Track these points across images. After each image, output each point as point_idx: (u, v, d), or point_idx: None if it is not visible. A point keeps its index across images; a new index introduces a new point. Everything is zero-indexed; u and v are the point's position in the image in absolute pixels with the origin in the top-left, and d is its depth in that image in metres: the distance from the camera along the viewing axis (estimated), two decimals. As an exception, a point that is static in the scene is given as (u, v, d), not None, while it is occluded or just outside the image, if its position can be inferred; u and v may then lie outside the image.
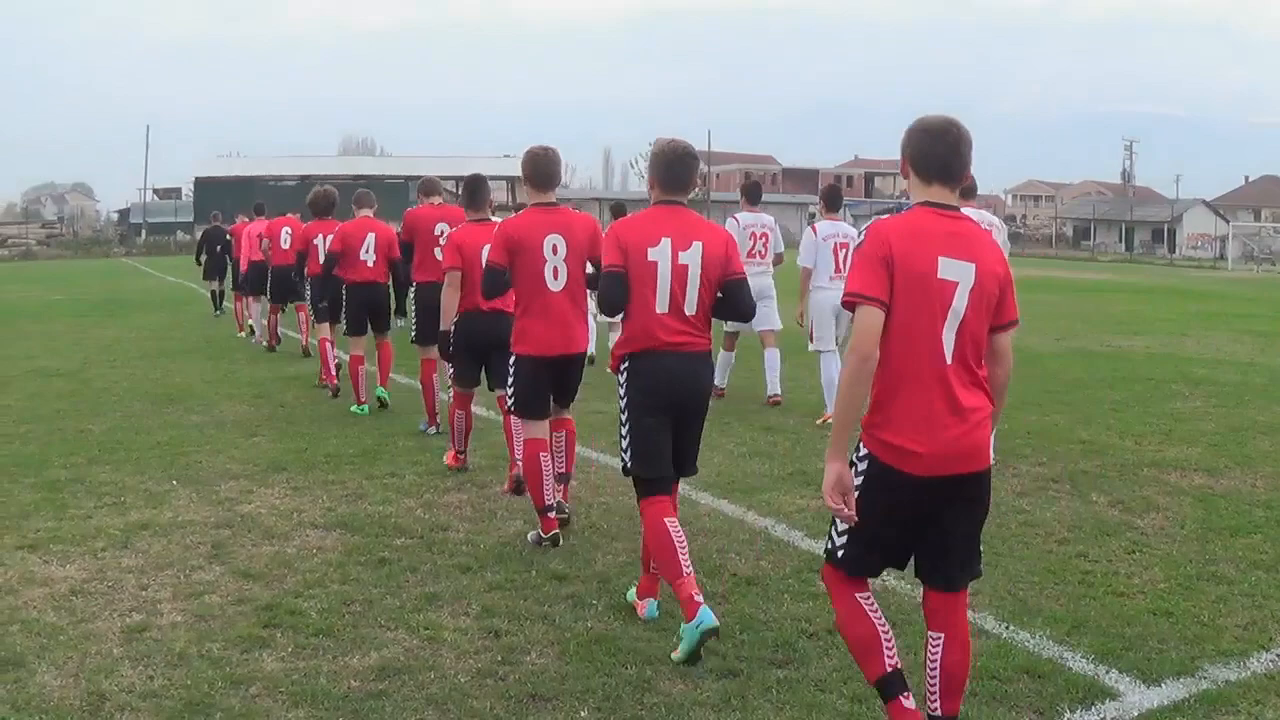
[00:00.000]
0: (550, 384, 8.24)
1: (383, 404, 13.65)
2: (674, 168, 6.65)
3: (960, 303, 4.70)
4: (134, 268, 59.60)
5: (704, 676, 5.96)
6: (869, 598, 5.05)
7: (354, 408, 13.65)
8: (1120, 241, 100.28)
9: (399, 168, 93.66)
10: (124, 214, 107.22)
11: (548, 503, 8.16)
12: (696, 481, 9.94)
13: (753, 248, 14.22)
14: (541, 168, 8.18)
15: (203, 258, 28.83)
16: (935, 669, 4.95)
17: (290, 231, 18.88)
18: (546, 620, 6.77)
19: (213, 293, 29.06)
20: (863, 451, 4.87)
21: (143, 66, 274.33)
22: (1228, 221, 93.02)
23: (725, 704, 5.66)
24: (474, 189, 10.42)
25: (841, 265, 12.51)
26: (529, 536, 8.33)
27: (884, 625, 5.02)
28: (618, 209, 16.31)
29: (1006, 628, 6.63)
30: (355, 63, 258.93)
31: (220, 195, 58.06)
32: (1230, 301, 35.46)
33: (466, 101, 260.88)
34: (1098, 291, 38.80)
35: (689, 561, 6.30)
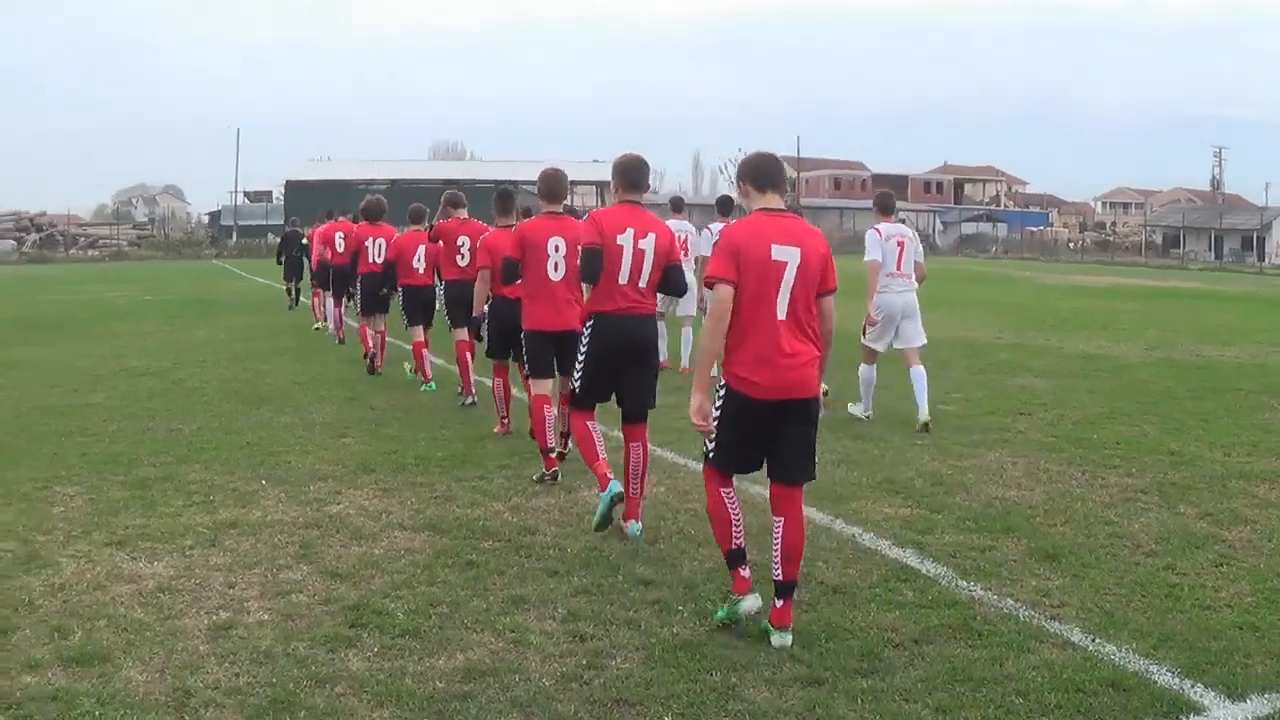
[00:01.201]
0: (553, 352, 10.10)
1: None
2: (629, 175, 8.66)
3: (790, 276, 6.55)
4: (224, 269, 60.35)
5: (789, 684, 5.90)
6: (731, 492, 6.84)
7: (423, 386, 16.01)
8: (1210, 250, 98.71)
9: (488, 172, 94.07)
10: (214, 216, 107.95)
11: (550, 445, 10.35)
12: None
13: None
14: (553, 185, 10.04)
15: (282, 259, 32.59)
16: (778, 544, 6.63)
17: (344, 235, 21.47)
18: (632, 625, 6.74)
19: (288, 289, 32.33)
20: (722, 383, 6.68)
21: (233, 69, 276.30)
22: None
23: (809, 712, 5.59)
24: (503, 200, 12.65)
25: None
26: (534, 476, 10.35)
27: (737, 514, 6.79)
28: (724, 204, 17.29)
29: (1092, 640, 6.50)
30: (443, 67, 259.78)
31: (310, 198, 58.64)
32: (1327, 312, 34.80)
33: (553, 106, 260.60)
34: (1187, 300, 38.19)
35: (604, 451, 8.82)
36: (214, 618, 6.86)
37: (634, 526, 8.61)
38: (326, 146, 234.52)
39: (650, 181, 9.16)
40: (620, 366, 8.70)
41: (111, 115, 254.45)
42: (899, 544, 8.34)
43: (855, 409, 13.77)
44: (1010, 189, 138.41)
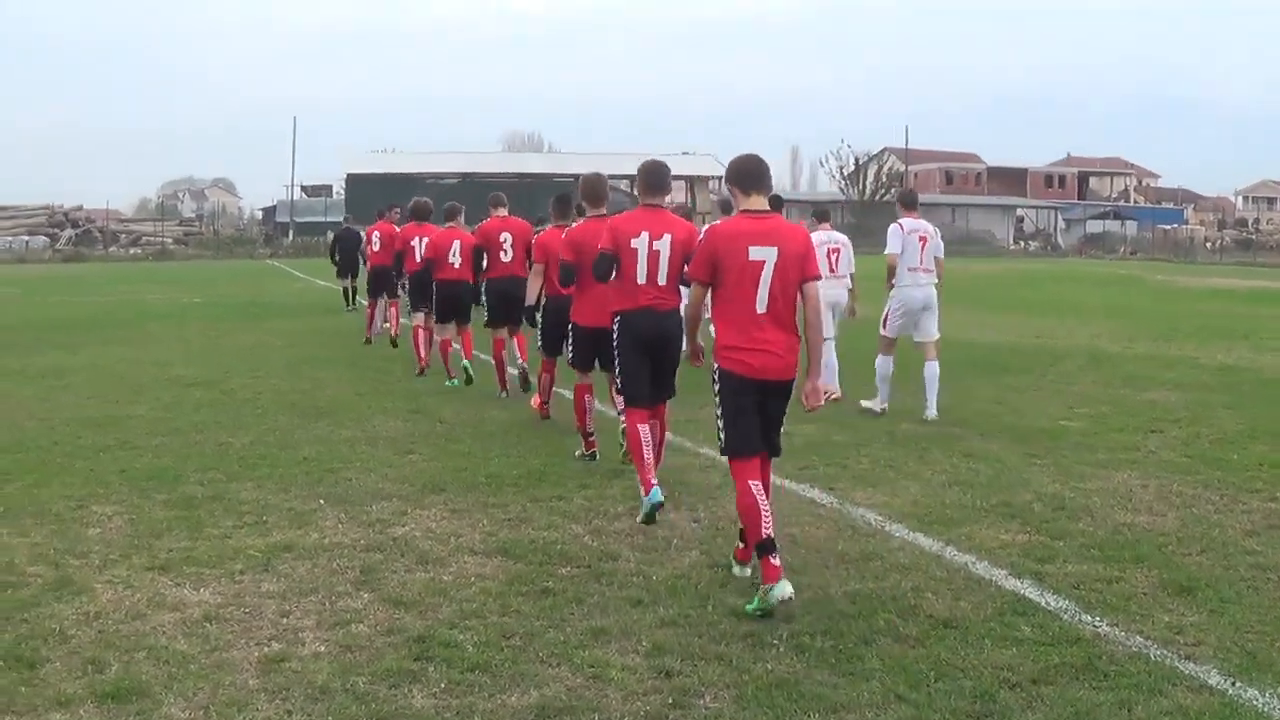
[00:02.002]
0: (594, 349, 11.49)
1: (468, 378, 17.22)
2: (649, 180, 10.13)
3: (767, 273, 7.87)
4: (280, 270, 60.95)
5: (895, 728, 5.85)
6: (758, 484, 7.86)
7: (447, 381, 17.64)
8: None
9: (568, 165, 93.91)
10: (269, 212, 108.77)
11: (589, 430, 12.12)
12: (890, 511, 9.85)
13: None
14: (594, 187, 11.58)
15: (336, 257, 33.01)
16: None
17: (379, 235, 23.84)
18: (723, 660, 6.71)
19: (345, 291, 33.02)
20: (716, 370, 8.02)
21: (288, 55, 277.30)
22: None
23: (918, 760, 5.54)
24: (561, 203, 14.14)
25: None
26: (575, 453, 12.16)
27: (766, 506, 7.74)
28: (821, 214, 17.76)
29: (1232, 683, 6.38)
30: (519, 53, 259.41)
31: (374, 193, 58.74)
32: None
33: (637, 96, 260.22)
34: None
35: (653, 458, 9.79)
36: (265, 649, 6.89)
37: (655, 492, 9.49)
38: (390, 137, 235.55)
39: (670, 184, 10.35)
40: (647, 357, 10.10)
41: (156, 102, 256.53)
42: (1016, 574, 8.25)
43: (869, 403, 14.98)
44: (1140, 183, 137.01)
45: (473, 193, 24.22)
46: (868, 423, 14.10)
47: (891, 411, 14.72)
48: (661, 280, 10.08)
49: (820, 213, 17.69)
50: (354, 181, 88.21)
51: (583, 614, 7.46)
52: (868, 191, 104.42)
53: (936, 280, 14.84)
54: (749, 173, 8.18)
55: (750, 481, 7.82)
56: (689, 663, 6.66)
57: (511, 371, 16.72)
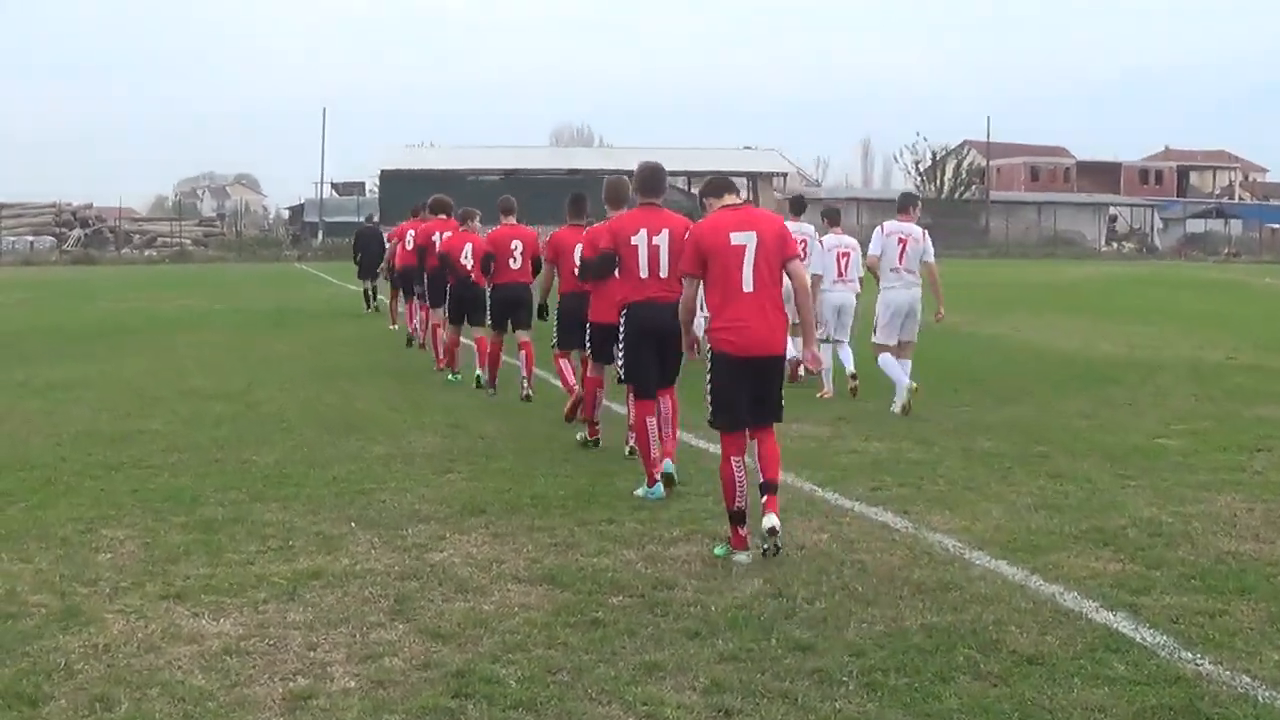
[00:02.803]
0: (611, 344, 12.60)
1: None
2: (644, 182, 11.76)
3: (750, 255, 9.51)
4: (309, 274, 61.17)
5: (975, 774, 5.84)
6: (740, 461, 9.50)
7: (450, 377, 19.90)
8: None
9: (620, 160, 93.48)
10: (296, 211, 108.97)
11: (597, 419, 13.92)
12: (970, 537, 9.83)
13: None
14: (617, 192, 12.83)
15: (358, 256, 34.81)
16: (759, 455, 9.58)
17: (413, 234, 24.56)
18: (788, 699, 6.70)
19: (365, 291, 34.79)
20: (708, 349, 9.79)
21: (318, 40, 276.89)
22: None
23: (1001, 808, 5.52)
24: (576, 204, 15.75)
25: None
26: (578, 437, 14.05)
27: (742, 480, 9.45)
28: (831, 216, 19.52)
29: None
30: (570, 39, 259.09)
31: (410, 191, 58.82)
32: None
33: (695, 84, 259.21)
34: None
35: (659, 451, 11.47)
36: (291, 685, 6.91)
37: (667, 464, 11.47)
38: (429, 131, 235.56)
39: (665, 185, 11.97)
40: (652, 347, 11.67)
41: (172, 91, 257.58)
42: (1108, 606, 8.21)
43: (895, 406, 16.11)
44: (1247, 177, 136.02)
45: (517, 191, 24.33)
46: (943, 439, 14.05)
47: (969, 426, 14.70)
48: (663, 273, 11.63)
49: (830, 214, 19.42)
50: (388, 179, 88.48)
51: (635, 647, 7.47)
52: (946, 188, 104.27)
53: (920, 282, 16.60)
54: (716, 184, 10.22)
55: (733, 457, 9.53)
56: (750, 701, 6.66)
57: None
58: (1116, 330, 28.50)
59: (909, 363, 16.42)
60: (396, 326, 28.37)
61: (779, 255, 9.66)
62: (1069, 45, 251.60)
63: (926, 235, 16.81)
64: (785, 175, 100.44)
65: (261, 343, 26.07)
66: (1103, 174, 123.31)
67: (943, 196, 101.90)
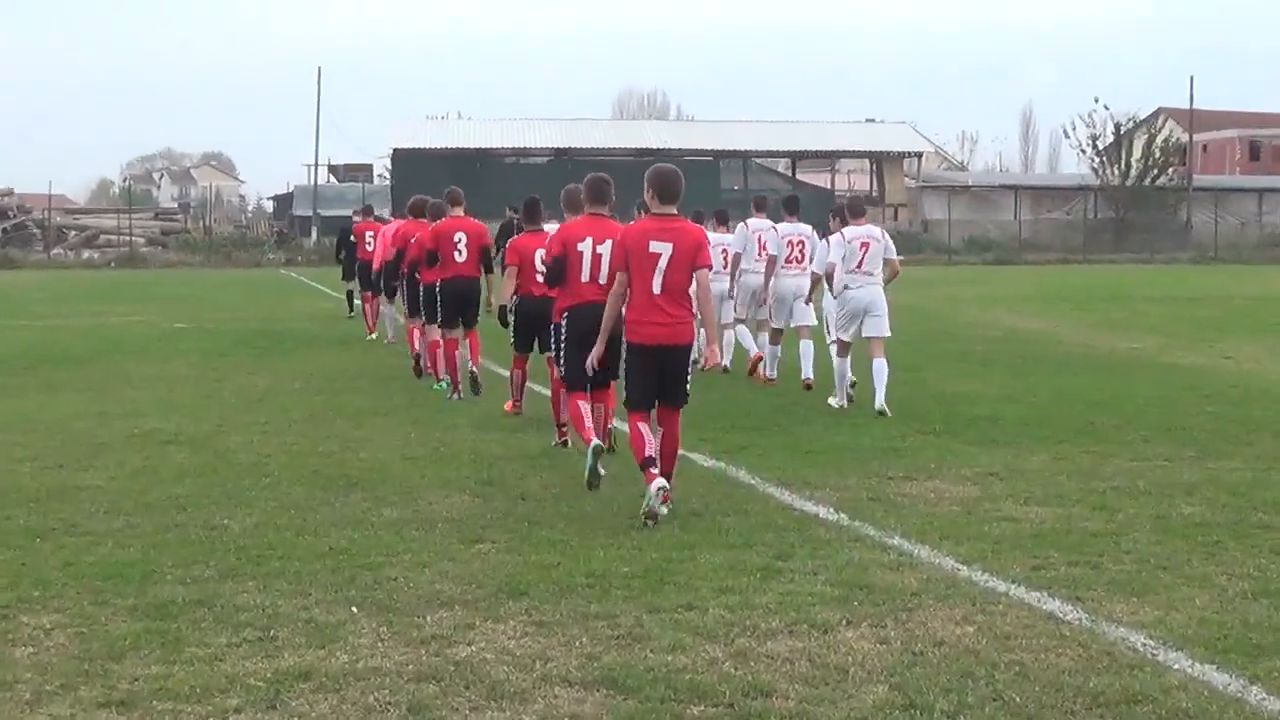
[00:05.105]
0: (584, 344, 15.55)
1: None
2: (593, 192, 15.61)
3: (663, 263, 13.44)
4: (299, 283, 61.50)
5: None
6: (644, 424, 13.58)
7: (435, 385, 23.57)
8: None
9: (699, 137, 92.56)
10: (283, 201, 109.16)
11: (563, 420, 17.29)
12: (1166, 633, 9.72)
13: (790, 254, 24.29)
14: (598, 191, 15.97)
15: (342, 254, 39.33)
16: (659, 451, 13.56)
17: (385, 234, 29.69)
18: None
19: (349, 293, 39.08)
20: (625, 340, 13.89)
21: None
22: None
23: None
24: (530, 209, 20.01)
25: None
26: (552, 443, 17.67)
27: (649, 437, 13.49)
28: (790, 205, 25.81)
29: None
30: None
31: (430, 175, 58.70)
32: None
33: (806, 45, 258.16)
34: None
35: (594, 426, 15.21)
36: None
37: (596, 443, 14.88)
38: (454, 99, 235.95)
39: (611, 195, 15.85)
40: (589, 349, 14.74)
41: (120, 45, 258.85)
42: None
43: (833, 401, 21.37)
44: None
45: (571, 176, 24.04)
46: (1129, 503, 13.86)
47: (1164, 486, 14.54)
48: (602, 279, 15.27)
49: (789, 203, 25.58)
50: (403, 159, 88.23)
51: (721, 776, 7.45)
52: (1133, 173, 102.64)
53: (882, 281, 21.27)
54: (667, 187, 13.85)
55: (639, 423, 13.67)
56: None
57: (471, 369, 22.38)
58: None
59: (883, 361, 20.60)
60: (374, 335, 33.55)
61: (690, 265, 13.62)
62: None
63: (886, 234, 21.76)
64: (921, 155, 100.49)
65: (237, 373, 26.30)
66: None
67: (1129, 183, 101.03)
